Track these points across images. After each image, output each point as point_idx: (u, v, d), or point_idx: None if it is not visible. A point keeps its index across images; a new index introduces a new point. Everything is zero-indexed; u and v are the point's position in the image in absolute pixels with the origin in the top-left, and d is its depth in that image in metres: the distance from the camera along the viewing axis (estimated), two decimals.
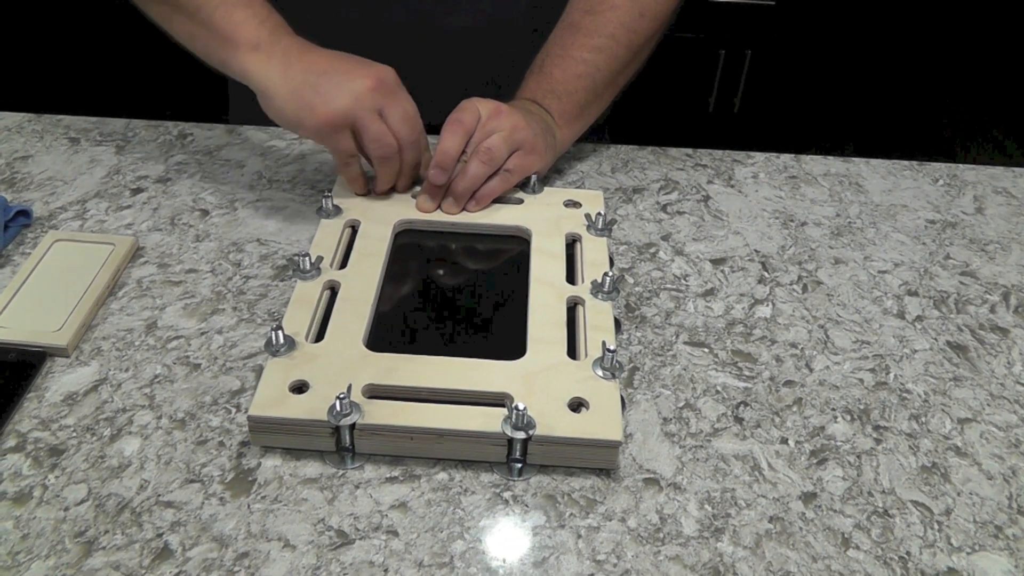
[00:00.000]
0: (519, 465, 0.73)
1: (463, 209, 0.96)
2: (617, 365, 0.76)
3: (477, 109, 0.96)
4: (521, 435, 0.71)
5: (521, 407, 0.71)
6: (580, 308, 0.84)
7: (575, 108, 1.06)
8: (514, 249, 0.94)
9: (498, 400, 0.74)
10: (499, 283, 0.91)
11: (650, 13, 1.07)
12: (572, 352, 0.80)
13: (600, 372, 0.76)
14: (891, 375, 0.84)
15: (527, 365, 0.77)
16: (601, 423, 0.72)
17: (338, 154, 0.94)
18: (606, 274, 0.85)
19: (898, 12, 2.61)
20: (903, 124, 2.82)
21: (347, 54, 0.93)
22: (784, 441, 0.77)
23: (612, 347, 0.76)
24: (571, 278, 0.88)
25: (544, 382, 0.75)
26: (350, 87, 0.89)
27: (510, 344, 0.80)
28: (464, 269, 0.93)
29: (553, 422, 0.72)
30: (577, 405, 0.74)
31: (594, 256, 0.91)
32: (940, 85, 2.80)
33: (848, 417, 0.80)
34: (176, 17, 0.95)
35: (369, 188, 0.98)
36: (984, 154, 2.92)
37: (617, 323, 0.84)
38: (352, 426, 0.71)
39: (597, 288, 0.85)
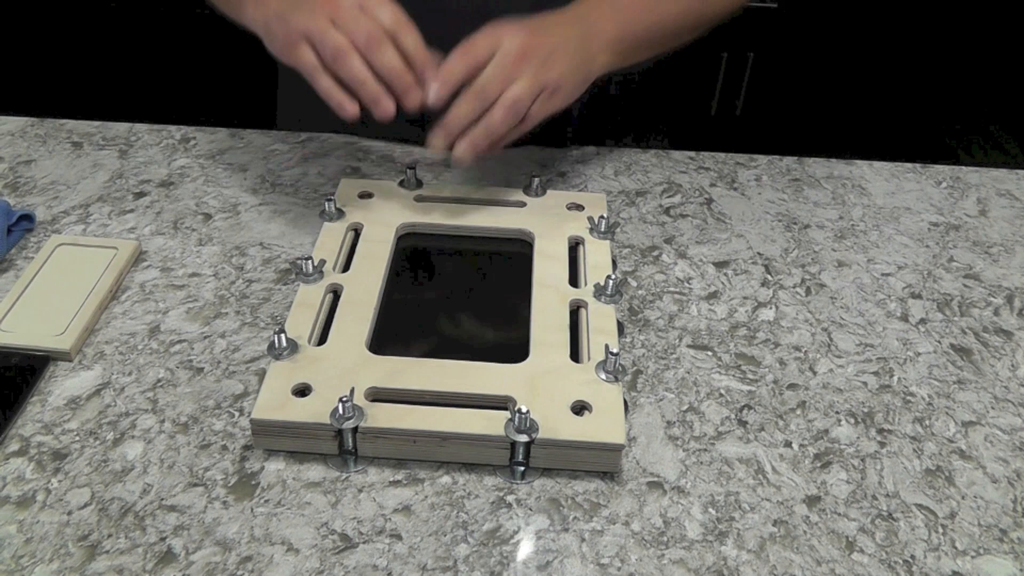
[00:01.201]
0: (522, 468, 0.73)
1: (477, 154, 0.89)
2: (620, 368, 0.76)
3: (500, 43, 0.88)
4: (524, 438, 0.71)
5: (524, 410, 0.71)
6: (583, 311, 0.84)
7: (630, 42, 0.99)
8: (517, 252, 0.94)
9: (501, 403, 0.74)
10: (502, 286, 0.91)
11: None
12: (575, 355, 0.80)
13: (603, 375, 0.76)
14: (895, 378, 0.84)
15: (530, 368, 0.77)
16: (604, 426, 0.72)
17: (303, 70, 0.87)
18: (609, 277, 0.85)
19: (900, 14, 2.61)
20: (905, 126, 2.82)
21: None
22: (788, 444, 0.77)
23: (615, 350, 0.76)
24: (574, 281, 0.88)
25: (547, 385, 0.75)
26: (305, 11, 0.86)
27: (513, 347, 0.80)
28: (467, 272, 0.93)
29: (556, 425, 0.72)
30: (580, 408, 0.74)
31: (597, 259, 0.91)
32: (942, 86, 2.80)
33: (852, 420, 0.80)
34: None
35: (362, 117, 0.87)
36: (986, 155, 2.92)
37: (620, 326, 0.84)
38: (355, 429, 0.71)
39: (600, 291, 0.85)
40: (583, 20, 0.94)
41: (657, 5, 1.00)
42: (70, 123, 1.16)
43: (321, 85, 0.86)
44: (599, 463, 0.73)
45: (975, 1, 2.65)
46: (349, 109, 0.86)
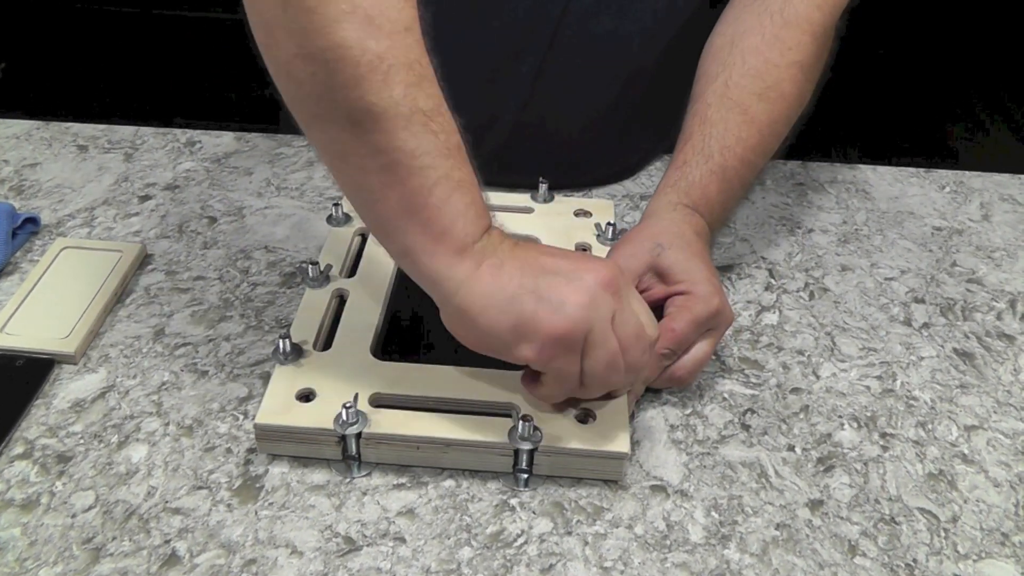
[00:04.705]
0: (525, 476, 0.73)
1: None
2: None
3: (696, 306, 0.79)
4: (527, 446, 0.71)
5: (528, 418, 0.71)
6: None
7: (720, 225, 0.95)
8: None
9: (505, 410, 0.74)
10: None
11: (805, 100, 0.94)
12: None
13: None
14: (898, 382, 0.84)
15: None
16: (608, 435, 0.72)
17: (558, 380, 0.70)
18: None
19: (902, 16, 2.61)
20: (908, 128, 2.82)
21: (564, 250, 0.73)
22: (791, 448, 0.77)
23: None
24: None
25: None
26: (582, 285, 0.67)
27: None
28: None
29: (560, 433, 0.72)
30: (584, 416, 0.74)
31: None
32: (944, 87, 2.80)
33: (855, 424, 0.80)
34: (360, 159, 0.67)
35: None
36: (988, 155, 2.92)
37: None
38: (358, 435, 0.71)
39: None
40: (702, 227, 0.87)
41: (751, 176, 0.92)
42: (75, 126, 1.16)
43: (543, 394, 0.73)
44: (603, 471, 0.73)
45: (976, 2, 2.65)
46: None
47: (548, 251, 0.71)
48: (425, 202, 0.66)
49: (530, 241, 0.74)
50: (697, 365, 0.79)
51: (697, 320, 0.77)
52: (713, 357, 0.85)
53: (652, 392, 0.81)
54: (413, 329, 0.86)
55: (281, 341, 0.77)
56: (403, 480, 0.72)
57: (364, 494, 0.71)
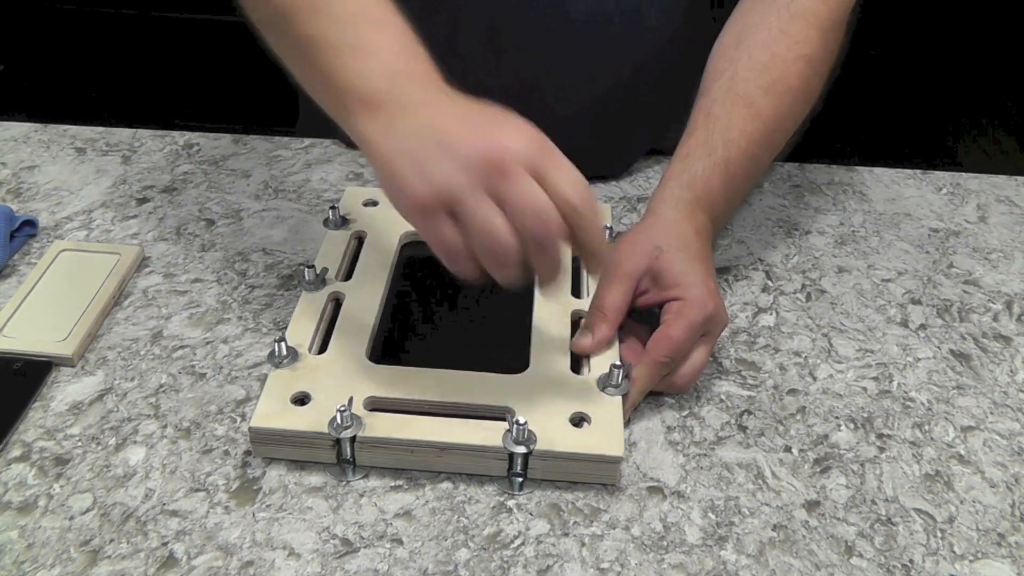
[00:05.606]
0: (520, 479, 0.73)
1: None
2: (621, 381, 0.76)
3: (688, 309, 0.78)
4: (522, 449, 0.71)
5: (522, 421, 0.71)
6: (584, 322, 0.84)
7: (725, 220, 0.94)
8: None
9: (499, 414, 0.74)
10: (503, 296, 0.90)
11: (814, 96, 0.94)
12: (575, 366, 0.80)
13: (603, 387, 0.76)
14: (894, 383, 0.84)
15: (529, 379, 0.77)
16: (603, 438, 0.72)
17: (436, 247, 0.68)
18: None
19: (900, 18, 2.61)
20: (906, 130, 2.82)
21: (485, 108, 0.69)
22: (788, 449, 0.77)
23: (616, 362, 0.76)
24: (576, 291, 0.88)
25: (546, 396, 0.75)
26: (454, 157, 0.65)
27: (513, 357, 0.80)
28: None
29: (554, 437, 0.72)
30: (579, 420, 0.74)
31: None
32: (943, 90, 2.80)
33: (851, 425, 0.80)
34: (287, 44, 0.74)
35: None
36: (987, 157, 2.93)
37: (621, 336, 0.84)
38: (353, 439, 0.71)
39: None
40: (704, 223, 0.86)
41: (757, 171, 0.93)
42: (73, 128, 1.16)
43: (452, 268, 0.69)
44: (597, 475, 0.73)
45: (973, 4, 2.65)
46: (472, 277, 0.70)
47: (451, 112, 0.68)
48: (331, 68, 0.71)
49: (447, 94, 0.70)
50: (695, 371, 0.80)
51: (693, 326, 0.78)
52: (710, 359, 0.85)
53: (649, 394, 0.81)
54: (408, 332, 0.86)
55: (276, 344, 0.77)
56: (400, 482, 0.73)
57: (361, 496, 0.71)
